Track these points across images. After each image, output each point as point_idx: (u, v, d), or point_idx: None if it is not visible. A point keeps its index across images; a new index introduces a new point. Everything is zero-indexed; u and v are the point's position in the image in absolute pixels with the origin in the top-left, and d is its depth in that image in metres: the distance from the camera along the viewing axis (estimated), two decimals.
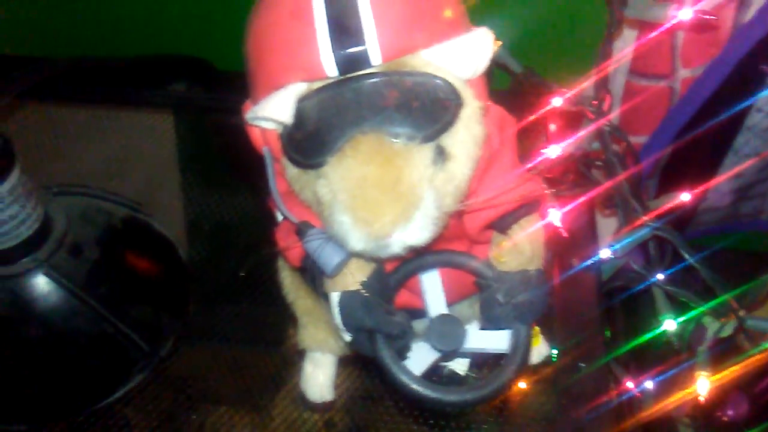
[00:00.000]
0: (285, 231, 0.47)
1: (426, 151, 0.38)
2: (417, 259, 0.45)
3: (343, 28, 0.37)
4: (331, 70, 0.38)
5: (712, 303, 0.60)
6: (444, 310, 0.46)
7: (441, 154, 0.39)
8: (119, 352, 0.60)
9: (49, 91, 0.80)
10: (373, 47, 0.37)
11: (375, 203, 0.37)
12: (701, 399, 0.59)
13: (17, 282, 0.57)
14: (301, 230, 0.43)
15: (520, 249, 0.46)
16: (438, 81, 0.39)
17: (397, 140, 0.38)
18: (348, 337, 0.45)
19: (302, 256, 0.45)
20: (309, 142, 0.39)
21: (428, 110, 0.38)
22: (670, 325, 0.63)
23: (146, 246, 0.68)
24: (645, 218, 0.61)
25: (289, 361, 0.62)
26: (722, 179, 0.89)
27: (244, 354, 0.64)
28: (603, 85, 0.63)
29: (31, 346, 0.60)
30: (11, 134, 0.56)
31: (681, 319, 0.63)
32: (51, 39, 0.89)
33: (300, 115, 0.38)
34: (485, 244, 0.47)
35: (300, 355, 0.59)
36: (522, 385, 0.59)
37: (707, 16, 0.53)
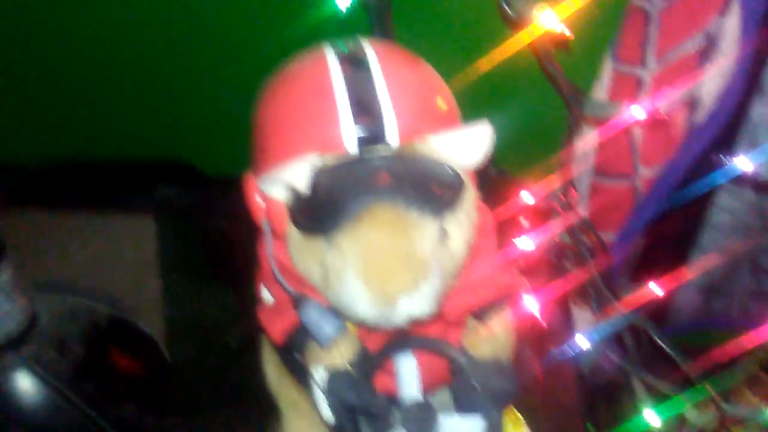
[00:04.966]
0: (269, 310, 0.48)
1: (435, 226, 0.41)
2: (398, 341, 0.46)
3: (364, 109, 0.41)
4: (350, 146, 0.41)
5: (693, 395, 0.61)
6: (418, 397, 0.47)
7: (444, 233, 0.42)
8: None
9: (35, 193, 0.82)
10: (391, 128, 0.41)
11: (388, 269, 0.40)
12: None
13: (0, 377, 0.56)
14: (297, 301, 0.45)
15: (495, 338, 0.48)
16: (446, 166, 0.42)
17: (411, 212, 0.40)
18: (329, 414, 0.45)
19: (287, 332, 0.47)
20: (323, 208, 0.41)
21: (437, 190, 0.42)
22: (652, 418, 0.63)
23: (130, 344, 0.68)
24: (619, 307, 0.63)
25: None
26: (690, 275, 0.92)
27: None
28: (569, 181, 0.67)
29: None
30: (2, 232, 0.57)
31: (663, 414, 0.63)
32: (37, 143, 0.92)
33: (315, 183, 0.41)
34: (459, 326, 0.49)
35: None
36: None
37: (657, 114, 0.58)
